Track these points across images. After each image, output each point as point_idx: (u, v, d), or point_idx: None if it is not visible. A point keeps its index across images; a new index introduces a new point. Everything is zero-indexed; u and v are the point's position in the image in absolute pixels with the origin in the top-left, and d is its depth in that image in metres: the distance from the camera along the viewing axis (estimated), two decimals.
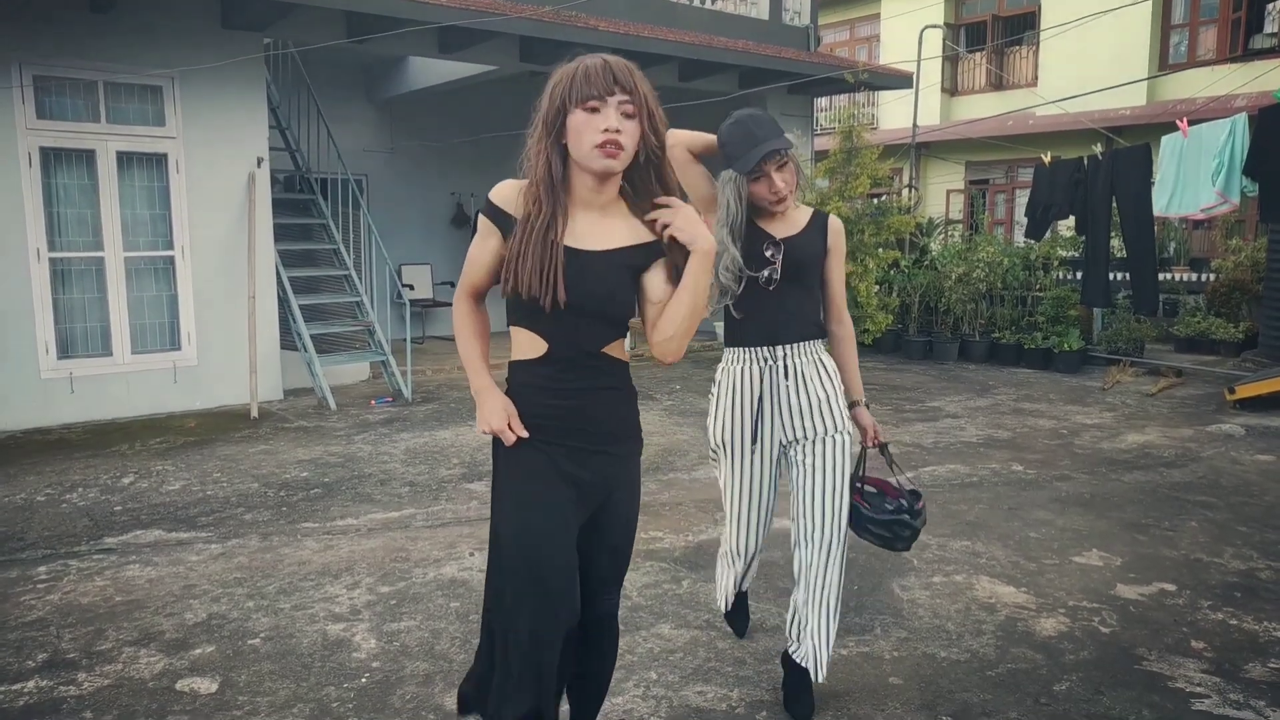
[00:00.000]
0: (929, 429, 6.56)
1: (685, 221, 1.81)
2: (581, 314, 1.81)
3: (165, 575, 3.73)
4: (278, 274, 7.61)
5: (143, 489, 5.01)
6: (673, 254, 1.85)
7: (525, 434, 1.88)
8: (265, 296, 7.42)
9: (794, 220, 2.58)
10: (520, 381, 1.92)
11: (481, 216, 1.90)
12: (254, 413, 6.95)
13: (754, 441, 2.59)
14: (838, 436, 2.56)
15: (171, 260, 7.11)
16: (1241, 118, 7.75)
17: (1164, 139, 8.51)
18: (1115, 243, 9.11)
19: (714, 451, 2.72)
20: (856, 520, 2.70)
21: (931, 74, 14.79)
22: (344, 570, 3.77)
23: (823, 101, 16.12)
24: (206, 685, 2.81)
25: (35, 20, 6.36)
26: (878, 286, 9.49)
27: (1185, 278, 11.52)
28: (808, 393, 2.54)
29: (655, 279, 1.88)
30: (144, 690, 2.78)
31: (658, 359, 1.92)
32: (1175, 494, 4.94)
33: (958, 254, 10.10)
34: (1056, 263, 10.09)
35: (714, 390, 2.69)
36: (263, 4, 6.74)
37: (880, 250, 9.15)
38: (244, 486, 5.06)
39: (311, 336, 7.55)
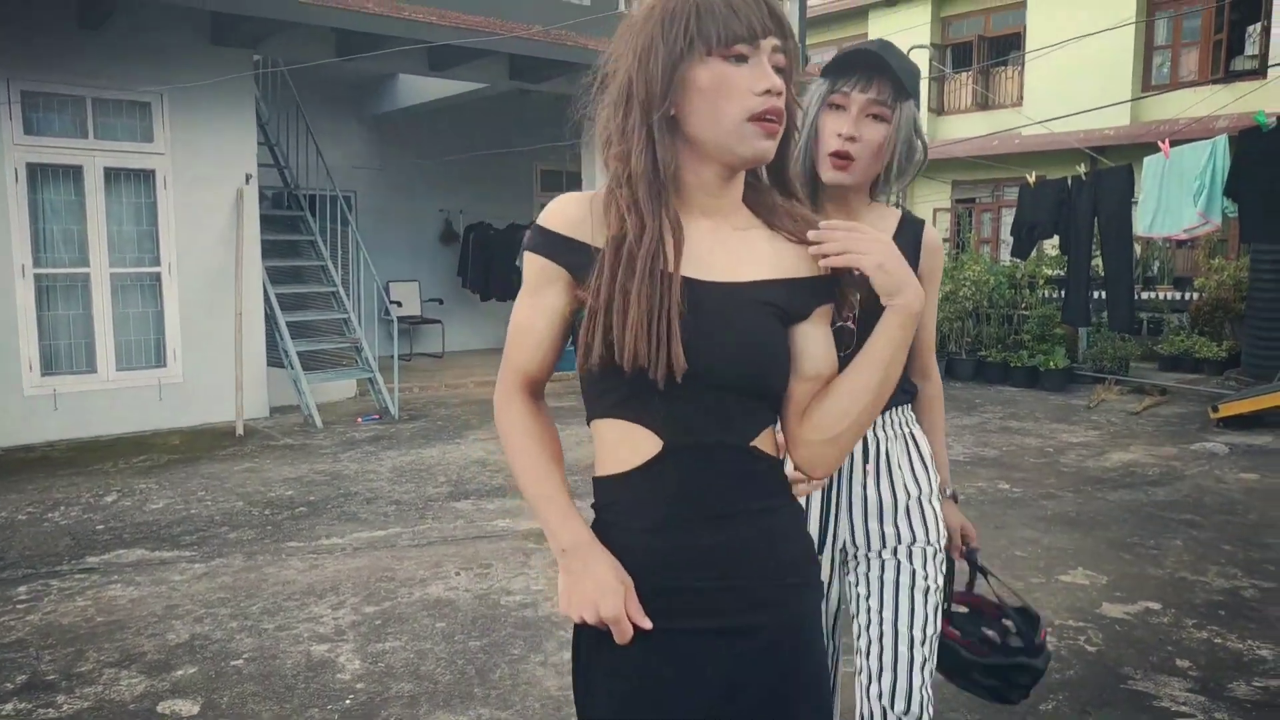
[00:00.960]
0: None
1: (877, 252, 1.13)
2: (718, 385, 1.11)
3: (147, 595, 3.69)
4: (265, 290, 7.60)
5: (126, 507, 4.97)
6: (845, 295, 1.21)
7: (648, 623, 1.11)
8: (252, 313, 7.40)
9: (870, 223, 1.69)
10: (614, 513, 1.17)
11: (530, 258, 1.18)
12: (239, 430, 6.91)
13: (819, 550, 1.77)
14: (928, 549, 1.72)
15: (158, 277, 7.08)
16: (1222, 139, 7.85)
17: (1146, 160, 8.61)
18: (1097, 262, 9.19)
19: None
20: (952, 664, 1.88)
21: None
22: (329, 590, 3.75)
23: None
24: (188, 707, 2.78)
25: (24, 36, 6.35)
26: None
27: (1169, 296, 11.62)
28: (893, 485, 1.73)
29: (815, 339, 1.19)
30: (125, 712, 2.75)
31: (802, 469, 1.21)
32: (1160, 512, 4.97)
33: (944, 272, 10.16)
34: (1042, 281, 10.16)
35: None
36: (253, 21, 6.76)
37: None
38: (228, 505, 5.02)
39: (298, 353, 7.53)
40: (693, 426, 1.12)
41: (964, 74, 16.25)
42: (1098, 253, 8.87)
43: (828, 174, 1.61)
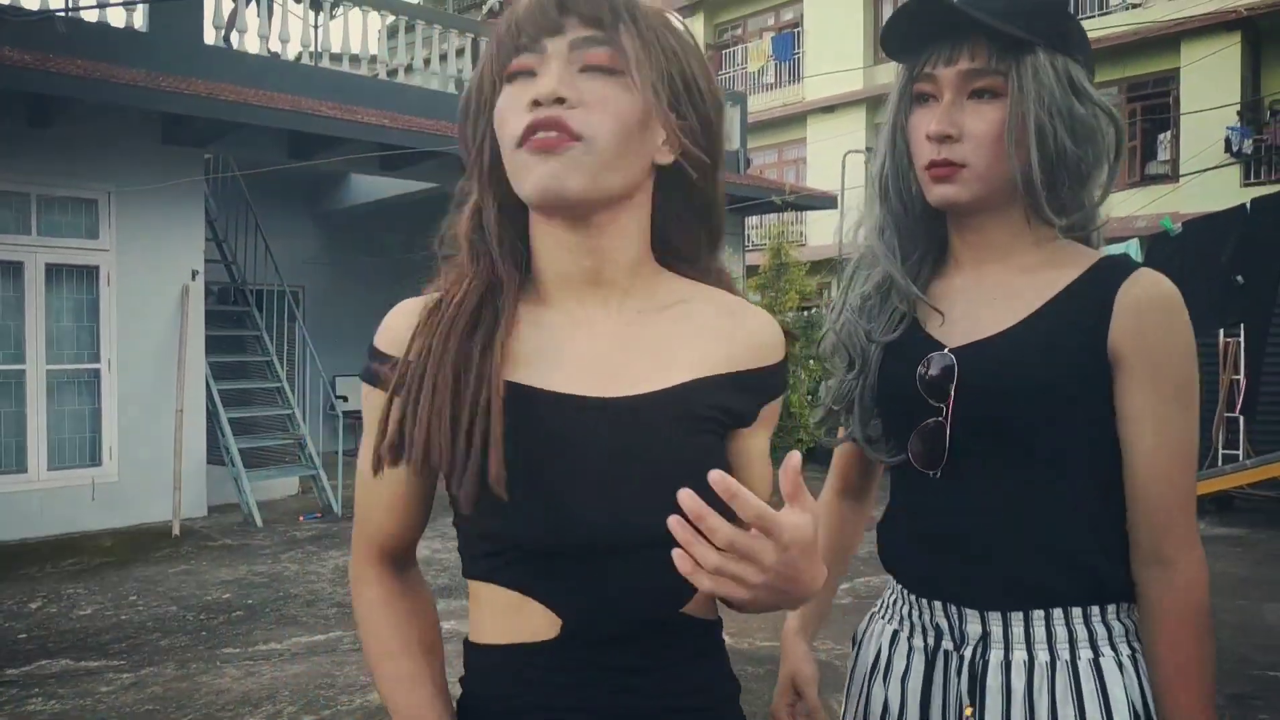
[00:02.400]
0: (868, 537, 6.61)
1: (765, 579, 0.70)
2: (640, 544, 0.81)
3: (70, 709, 3.52)
4: (208, 387, 7.48)
5: (52, 614, 4.76)
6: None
7: None
8: (194, 410, 7.26)
9: (1027, 269, 1.06)
10: (488, 687, 0.89)
11: (367, 392, 0.91)
12: (176, 530, 6.70)
13: None
14: None
15: (97, 373, 6.95)
16: (1134, 242, 8.31)
17: None
18: None
19: None
20: None
21: (855, 193, 15.52)
22: (265, 699, 3.61)
23: (753, 220, 16.76)
24: None
25: None
26: (810, 396, 9.71)
27: None
28: None
29: (755, 451, 0.91)
30: None
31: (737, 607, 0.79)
32: None
33: None
34: None
35: (850, 662, 1.24)
36: (204, 122, 6.84)
37: (811, 362, 9.40)
38: (161, 610, 4.84)
39: (240, 450, 7.38)
40: (607, 601, 0.83)
41: None
42: None
43: (931, 195, 1.05)
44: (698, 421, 0.85)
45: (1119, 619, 1.02)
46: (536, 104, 0.79)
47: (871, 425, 1.15)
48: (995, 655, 1.01)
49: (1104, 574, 1.01)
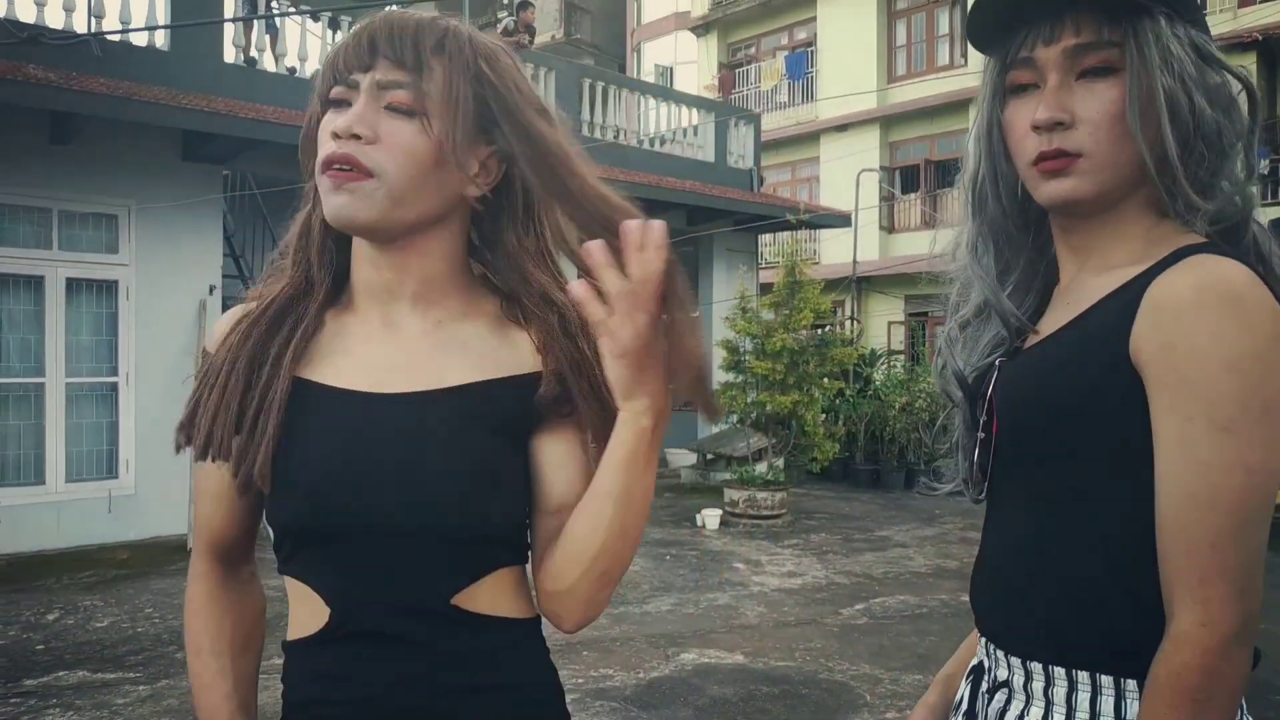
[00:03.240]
0: (878, 559, 6.59)
1: (632, 328, 0.77)
2: (406, 534, 0.86)
3: None
4: None
5: (68, 626, 4.78)
6: (589, 399, 0.91)
7: None
8: None
9: (1111, 266, 0.91)
10: (297, 684, 0.93)
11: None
12: (191, 544, 6.71)
13: None
14: None
15: (115, 386, 7.00)
16: None
17: None
18: None
19: None
20: None
21: (869, 212, 15.54)
22: (277, 713, 3.60)
23: (767, 237, 16.79)
24: None
25: None
26: (824, 415, 9.68)
27: None
28: None
29: (556, 455, 0.94)
30: None
31: (551, 619, 0.93)
32: None
33: (900, 384, 10.39)
34: None
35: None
36: (223, 139, 6.92)
37: (825, 380, 9.39)
38: (177, 623, 4.85)
39: None
40: (369, 589, 0.86)
41: (912, 195, 17.00)
42: None
43: (1043, 194, 0.90)
44: (474, 419, 0.89)
45: (1113, 695, 0.85)
46: (336, 136, 0.86)
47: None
48: (1015, 707, 0.91)
49: (1130, 636, 0.83)
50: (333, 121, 0.87)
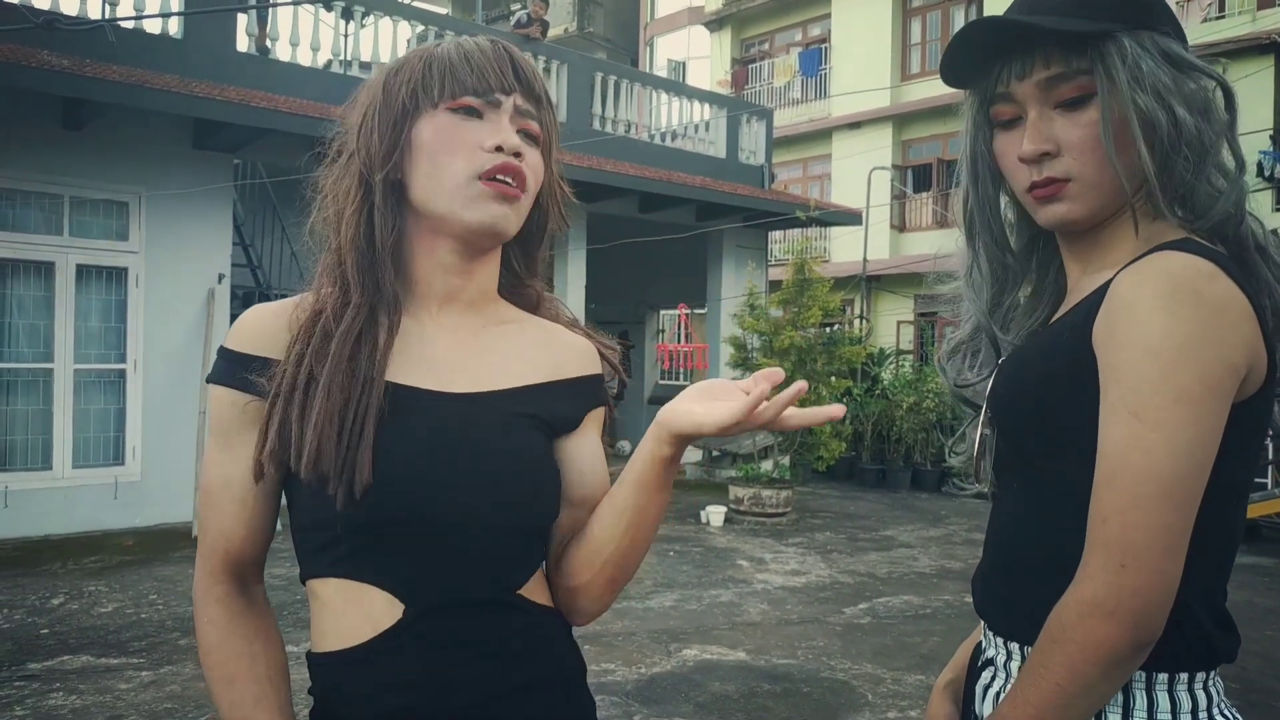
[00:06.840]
0: (883, 558, 6.57)
1: (762, 423, 0.87)
2: (473, 526, 0.89)
3: (90, 705, 3.54)
4: None
5: (73, 611, 4.80)
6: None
7: None
8: None
9: (1105, 267, 0.96)
10: (336, 704, 0.92)
11: (216, 393, 0.93)
12: (196, 531, 6.74)
13: None
14: None
15: (122, 373, 7.02)
16: None
17: None
18: None
19: None
20: None
21: (880, 211, 15.48)
22: None
23: (777, 234, 16.75)
24: None
25: (4, 135, 6.45)
26: None
27: None
28: None
29: (584, 452, 1.00)
30: None
31: (564, 612, 0.99)
32: None
33: (908, 384, 10.35)
34: None
35: None
36: (235, 128, 6.92)
37: (833, 379, 9.36)
38: (181, 609, 4.87)
39: None
40: (445, 581, 0.88)
41: (924, 195, 16.93)
42: None
43: (1041, 218, 0.96)
44: (523, 419, 0.95)
45: (1171, 690, 0.84)
46: (499, 150, 0.91)
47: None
48: (996, 685, 0.96)
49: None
50: (474, 128, 0.92)
